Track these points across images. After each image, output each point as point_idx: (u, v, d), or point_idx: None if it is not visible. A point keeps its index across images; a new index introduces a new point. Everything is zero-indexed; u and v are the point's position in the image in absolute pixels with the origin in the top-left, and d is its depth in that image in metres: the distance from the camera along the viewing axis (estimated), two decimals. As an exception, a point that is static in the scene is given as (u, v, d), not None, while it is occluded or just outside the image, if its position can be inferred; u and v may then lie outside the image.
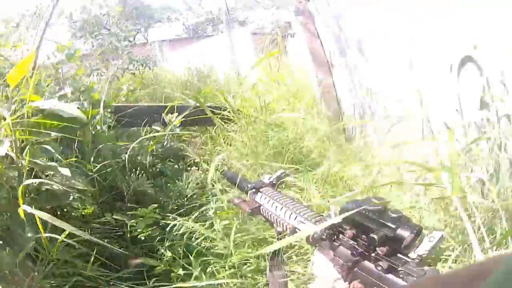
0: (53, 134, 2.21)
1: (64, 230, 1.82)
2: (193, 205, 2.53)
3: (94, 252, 2.00)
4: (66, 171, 2.01)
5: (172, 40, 29.23)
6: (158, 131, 3.44)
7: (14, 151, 1.95)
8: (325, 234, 1.20)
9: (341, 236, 1.17)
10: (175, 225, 2.34)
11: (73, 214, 2.39)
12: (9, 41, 4.32)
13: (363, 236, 1.10)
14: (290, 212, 1.32)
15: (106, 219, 2.42)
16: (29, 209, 1.67)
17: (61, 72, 3.49)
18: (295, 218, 1.30)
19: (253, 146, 2.92)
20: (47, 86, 3.05)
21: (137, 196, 2.73)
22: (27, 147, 2.02)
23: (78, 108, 2.53)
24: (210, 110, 3.15)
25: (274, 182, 1.59)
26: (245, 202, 1.53)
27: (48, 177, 2.15)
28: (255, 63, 3.51)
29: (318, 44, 3.45)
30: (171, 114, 3.50)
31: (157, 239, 2.33)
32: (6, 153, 1.87)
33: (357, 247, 1.11)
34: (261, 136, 3.00)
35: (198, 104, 3.31)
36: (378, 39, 2.80)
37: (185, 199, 2.64)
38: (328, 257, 1.18)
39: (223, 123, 3.29)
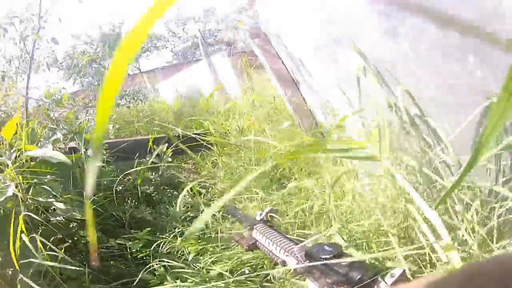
0: (48, 176, 2.55)
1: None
2: (186, 227, 2.72)
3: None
4: (60, 205, 2.36)
5: (164, 68, 29.22)
6: (153, 162, 3.65)
7: (20, 192, 2.25)
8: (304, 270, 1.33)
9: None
10: (162, 243, 2.59)
11: (77, 240, 2.64)
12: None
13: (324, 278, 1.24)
14: (278, 247, 1.44)
15: (110, 244, 2.68)
16: (24, 237, 1.96)
17: (53, 117, 3.69)
18: (283, 252, 1.42)
19: (237, 170, 3.14)
20: (40, 132, 3.29)
21: (137, 222, 2.99)
22: (31, 188, 2.36)
23: (72, 148, 2.89)
24: (196, 137, 3.41)
25: (265, 218, 1.71)
26: (243, 239, 1.66)
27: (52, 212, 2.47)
28: (212, 91, 3.71)
29: (280, 63, 3.53)
30: (162, 145, 3.70)
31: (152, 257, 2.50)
32: (14, 193, 2.19)
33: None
34: (244, 160, 3.21)
35: (185, 133, 3.52)
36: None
37: (178, 222, 2.82)
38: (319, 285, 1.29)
39: (207, 149, 3.49)
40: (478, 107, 1.56)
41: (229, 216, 2.05)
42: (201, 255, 2.53)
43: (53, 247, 2.11)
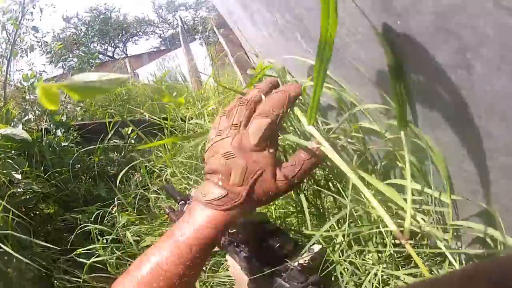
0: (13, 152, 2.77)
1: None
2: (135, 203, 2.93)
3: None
4: (18, 176, 2.57)
5: (151, 53, 29.04)
6: (117, 144, 3.85)
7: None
8: (226, 241, 1.36)
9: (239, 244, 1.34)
10: (101, 216, 2.82)
11: (37, 213, 2.85)
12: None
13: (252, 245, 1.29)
14: None
15: (65, 217, 2.90)
16: None
17: (29, 99, 3.84)
18: None
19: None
20: (15, 113, 3.48)
21: (93, 198, 3.18)
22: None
23: (45, 128, 3.13)
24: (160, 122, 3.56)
25: None
26: (174, 212, 1.70)
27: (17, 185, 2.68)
28: (162, 76, 3.79)
29: (242, 53, 3.53)
30: (127, 127, 3.91)
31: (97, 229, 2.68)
32: None
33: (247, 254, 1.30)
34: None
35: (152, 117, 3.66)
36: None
37: (130, 198, 3.01)
38: (236, 261, 1.34)
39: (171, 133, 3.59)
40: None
41: (166, 193, 2.19)
42: (134, 226, 2.73)
43: (18, 213, 2.30)
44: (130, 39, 36.46)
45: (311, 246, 1.22)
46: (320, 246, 1.21)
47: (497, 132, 0.92)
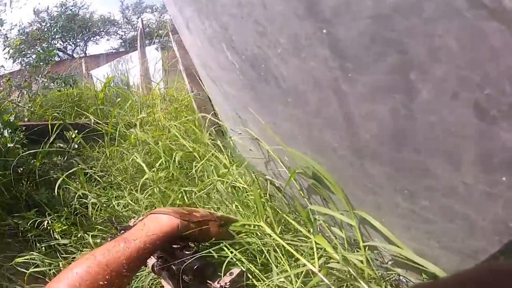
0: None
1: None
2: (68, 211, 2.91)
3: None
4: None
5: (108, 54, 28.79)
6: (62, 148, 3.81)
7: None
8: (158, 266, 1.52)
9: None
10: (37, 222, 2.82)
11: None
12: None
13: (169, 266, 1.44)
14: None
15: (8, 221, 2.90)
16: None
17: None
18: None
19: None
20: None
21: (35, 203, 3.14)
22: None
23: None
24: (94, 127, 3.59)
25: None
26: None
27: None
28: (106, 82, 3.81)
29: (190, 60, 3.34)
30: (71, 131, 3.85)
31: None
32: None
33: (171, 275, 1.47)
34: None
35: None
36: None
37: (64, 206, 2.95)
38: (169, 285, 1.48)
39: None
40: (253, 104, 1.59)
41: (111, 224, 2.14)
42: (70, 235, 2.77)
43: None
44: (92, 38, 36.01)
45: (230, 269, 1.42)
46: (239, 270, 1.41)
47: (439, 171, 0.88)
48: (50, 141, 3.62)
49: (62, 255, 2.54)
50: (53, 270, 2.41)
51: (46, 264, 2.44)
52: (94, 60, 24.51)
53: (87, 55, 30.43)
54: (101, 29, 35.98)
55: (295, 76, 1.11)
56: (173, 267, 1.44)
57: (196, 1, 1.46)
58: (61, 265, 2.43)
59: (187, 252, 1.45)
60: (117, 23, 36.83)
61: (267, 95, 1.38)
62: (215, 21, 1.38)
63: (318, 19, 0.86)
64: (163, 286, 1.57)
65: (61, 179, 2.93)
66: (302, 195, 1.73)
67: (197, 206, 2.28)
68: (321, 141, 1.23)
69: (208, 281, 1.39)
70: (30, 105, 5.99)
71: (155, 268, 1.54)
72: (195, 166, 2.48)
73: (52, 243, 2.66)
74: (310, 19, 0.88)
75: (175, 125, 3.24)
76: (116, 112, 3.73)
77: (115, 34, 36.99)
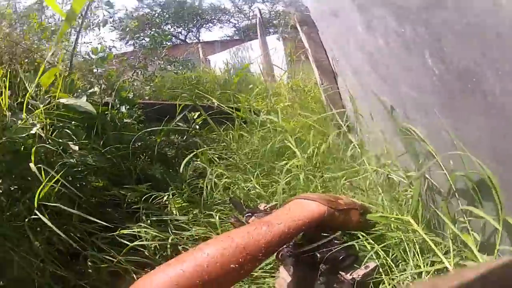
0: (73, 122, 2.69)
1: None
2: (188, 189, 2.84)
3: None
4: (75, 147, 2.47)
5: (223, 41, 29.37)
6: (180, 127, 3.74)
7: (44, 132, 2.38)
8: (289, 252, 1.41)
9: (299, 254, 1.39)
10: (154, 196, 2.76)
11: (84, 184, 2.75)
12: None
13: (313, 255, 1.34)
14: None
15: (113, 192, 2.81)
16: (33, 167, 2.08)
17: (96, 72, 3.81)
18: None
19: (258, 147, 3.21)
20: (80, 85, 3.41)
21: (146, 177, 3.08)
22: (55, 132, 2.51)
23: (106, 103, 3.06)
24: (230, 111, 3.52)
25: (268, 210, 1.78)
26: (238, 221, 1.73)
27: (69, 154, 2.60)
28: (241, 69, 3.74)
29: (322, 53, 3.48)
30: (194, 112, 3.81)
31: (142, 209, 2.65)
32: (38, 134, 2.32)
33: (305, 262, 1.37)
34: (266, 138, 3.25)
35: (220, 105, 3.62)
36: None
37: (183, 184, 2.88)
38: (289, 273, 1.39)
39: (241, 123, 3.58)
40: (445, 108, 1.59)
41: (233, 206, 2.13)
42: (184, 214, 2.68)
43: (65, 183, 2.22)
44: (204, 25, 36.98)
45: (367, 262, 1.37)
46: (375, 264, 1.35)
47: None
48: (176, 120, 3.59)
49: (173, 231, 2.47)
50: (156, 244, 2.36)
51: (150, 238, 2.38)
52: (210, 46, 25.21)
53: (201, 41, 31.07)
54: (213, 17, 36.75)
55: (507, 95, 1.18)
56: (317, 255, 1.35)
57: (400, 7, 1.60)
58: (169, 240, 2.36)
59: (336, 241, 1.38)
60: (228, 11, 37.55)
61: (465, 104, 1.43)
62: (424, 28, 1.47)
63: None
64: (278, 272, 1.51)
65: (188, 157, 2.92)
66: (456, 196, 1.71)
67: (340, 194, 2.18)
68: (506, 151, 1.31)
69: (340, 272, 1.32)
70: (151, 84, 6.05)
71: (282, 253, 1.43)
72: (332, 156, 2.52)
73: (164, 218, 2.60)
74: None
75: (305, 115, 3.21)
76: (247, 98, 3.66)
77: (228, 22, 37.87)
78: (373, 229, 1.69)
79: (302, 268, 1.38)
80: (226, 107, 3.59)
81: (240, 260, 1.16)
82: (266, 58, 7.79)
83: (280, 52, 7.08)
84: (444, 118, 1.60)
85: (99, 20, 6.33)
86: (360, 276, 1.27)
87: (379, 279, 1.43)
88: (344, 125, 2.70)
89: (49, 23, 5.62)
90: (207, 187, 2.76)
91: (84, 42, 6.15)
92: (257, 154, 3.09)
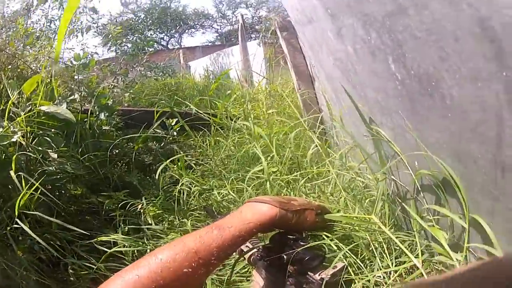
0: (52, 130, 2.71)
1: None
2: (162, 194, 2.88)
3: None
4: (54, 155, 2.51)
5: (205, 47, 29.36)
6: (158, 134, 3.76)
7: (25, 140, 2.41)
8: (259, 255, 1.44)
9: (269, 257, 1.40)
10: (130, 203, 2.79)
11: (63, 192, 2.80)
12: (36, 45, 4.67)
13: (281, 257, 1.33)
14: None
15: (91, 199, 2.84)
16: (13, 176, 2.12)
17: (77, 79, 3.81)
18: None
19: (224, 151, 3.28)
20: (61, 92, 3.42)
21: (124, 185, 3.11)
22: (36, 139, 2.55)
23: (86, 110, 3.10)
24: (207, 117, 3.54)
25: None
26: None
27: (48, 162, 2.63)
28: (219, 76, 3.78)
29: (301, 58, 3.54)
30: (172, 119, 3.82)
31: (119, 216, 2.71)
32: (19, 141, 2.37)
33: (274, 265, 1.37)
34: (242, 143, 3.28)
35: (196, 111, 3.64)
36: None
37: (159, 191, 2.92)
38: (262, 276, 1.41)
39: (217, 128, 3.59)
40: (407, 111, 1.63)
41: (206, 213, 2.21)
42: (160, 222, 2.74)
43: (44, 191, 2.25)
44: (187, 31, 36.97)
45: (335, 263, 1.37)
46: (343, 264, 1.36)
47: None
48: (153, 127, 3.66)
49: (149, 239, 2.52)
50: (134, 249, 2.41)
51: (128, 245, 2.40)
52: (191, 51, 25.19)
53: (183, 46, 31.10)
54: (196, 22, 36.75)
55: (464, 98, 1.25)
56: (284, 257, 1.33)
57: (366, 15, 1.63)
58: (147, 249, 2.40)
59: (302, 243, 1.36)
60: (211, 17, 37.58)
61: (425, 107, 1.49)
62: (387, 35, 1.53)
63: (503, 65, 1.02)
64: (252, 276, 1.52)
65: (164, 164, 2.92)
66: (420, 196, 1.79)
67: (300, 195, 2.24)
68: (466, 152, 1.36)
69: (309, 273, 1.31)
70: (131, 91, 6.05)
71: (253, 257, 1.49)
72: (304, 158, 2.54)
73: (141, 227, 2.63)
74: (496, 62, 1.03)
75: (281, 120, 3.29)
76: (224, 104, 3.70)
77: (210, 27, 37.81)
78: (339, 229, 1.72)
79: (272, 271, 1.39)
80: (203, 113, 3.61)
81: (193, 264, 1.16)
82: (245, 64, 7.81)
83: (260, 58, 7.11)
84: (407, 120, 1.65)
85: (83, 25, 6.34)
86: (328, 276, 1.27)
87: (350, 278, 1.48)
88: (319, 129, 2.74)
89: (34, 28, 5.63)
90: (182, 193, 2.79)
91: (67, 48, 6.15)
92: (233, 160, 3.11)
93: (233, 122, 3.40)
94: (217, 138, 3.54)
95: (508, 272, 0.46)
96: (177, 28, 35.79)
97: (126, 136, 3.51)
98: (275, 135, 3.02)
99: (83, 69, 3.82)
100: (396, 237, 1.55)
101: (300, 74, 3.54)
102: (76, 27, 6.33)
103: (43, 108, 2.55)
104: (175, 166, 3.13)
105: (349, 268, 1.49)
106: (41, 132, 2.63)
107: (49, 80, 3.11)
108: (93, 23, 7.72)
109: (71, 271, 2.29)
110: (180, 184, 2.82)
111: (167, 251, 1.17)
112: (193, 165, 3.27)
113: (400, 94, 1.63)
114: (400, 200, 1.97)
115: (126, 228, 2.59)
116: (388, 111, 1.81)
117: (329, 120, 2.83)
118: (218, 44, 31.04)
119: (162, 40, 35.95)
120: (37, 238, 2.06)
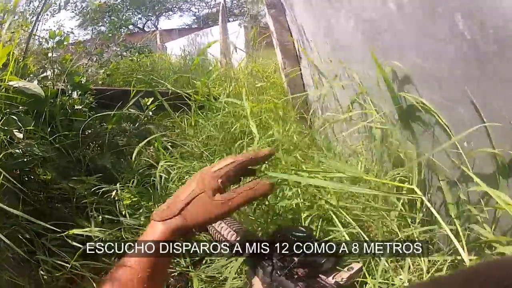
0: (20, 107, 2.55)
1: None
2: (138, 179, 2.76)
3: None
4: (19, 135, 2.35)
5: (182, 29, 29.29)
6: (132, 114, 3.63)
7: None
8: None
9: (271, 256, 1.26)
10: (105, 191, 2.62)
11: (32, 177, 2.62)
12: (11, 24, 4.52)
13: (288, 258, 1.21)
14: (230, 229, 1.37)
15: (62, 185, 2.65)
16: None
17: (51, 57, 3.67)
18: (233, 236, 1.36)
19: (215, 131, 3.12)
20: (33, 69, 3.28)
21: (96, 168, 2.95)
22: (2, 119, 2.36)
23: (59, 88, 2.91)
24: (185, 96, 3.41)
25: None
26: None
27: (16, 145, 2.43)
28: (203, 49, 3.68)
29: (287, 36, 3.54)
30: (147, 98, 3.67)
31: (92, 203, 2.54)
32: None
33: (280, 267, 1.22)
34: (225, 123, 3.15)
35: (174, 90, 3.54)
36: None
37: (134, 175, 2.81)
38: (259, 276, 1.28)
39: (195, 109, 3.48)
40: (470, 79, 1.46)
41: None
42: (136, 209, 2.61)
43: (9, 177, 2.05)
44: (164, 14, 36.76)
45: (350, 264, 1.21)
46: (359, 265, 1.19)
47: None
48: (128, 106, 3.51)
49: (126, 232, 2.39)
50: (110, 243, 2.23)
51: (103, 238, 2.28)
52: (168, 34, 25.12)
53: (159, 29, 30.96)
54: (174, 5, 36.57)
55: None
56: (295, 259, 1.19)
57: None
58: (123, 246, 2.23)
59: (312, 241, 1.22)
60: (190, 0, 37.28)
61: (503, 73, 1.32)
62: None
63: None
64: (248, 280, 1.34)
65: (140, 145, 2.83)
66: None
67: None
68: None
69: (320, 276, 1.17)
70: (106, 68, 5.91)
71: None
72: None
73: (116, 218, 2.47)
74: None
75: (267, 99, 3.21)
76: (204, 82, 3.57)
77: (188, 10, 37.54)
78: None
79: (274, 272, 1.24)
80: (182, 92, 3.51)
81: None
82: (225, 44, 7.78)
83: (241, 38, 7.08)
84: (470, 91, 1.49)
85: (61, 2, 6.22)
86: (344, 280, 1.15)
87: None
88: (305, 109, 2.74)
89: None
90: (160, 177, 2.66)
91: (44, 29, 6.01)
92: (215, 140, 3.02)
93: (217, 101, 3.38)
94: (197, 118, 3.44)
95: (508, 272, 0.47)
96: (155, 9, 35.63)
97: (98, 114, 3.38)
98: (260, 114, 2.95)
99: (58, 46, 3.66)
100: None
101: (286, 53, 3.55)
102: (54, 7, 6.20)
103: (12, 83, 2.41)
104: (151, 148, 2.99)
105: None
106: (8, 110, 2.46)
107: (21, 58, 2.95)
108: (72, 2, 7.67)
109: (41, 272, 2.14)
110: (159, 167, 2.69)
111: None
112: (169, 146, 3.14)
113: (465, 57, 1.47)
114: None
115: (100, 217, 2.46)
116: (436, 79, 1.67)
117: (315, 100, 2.82)
118: (195, 27, 31.00)
119: (138, 22, 35.81)
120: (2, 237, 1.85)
